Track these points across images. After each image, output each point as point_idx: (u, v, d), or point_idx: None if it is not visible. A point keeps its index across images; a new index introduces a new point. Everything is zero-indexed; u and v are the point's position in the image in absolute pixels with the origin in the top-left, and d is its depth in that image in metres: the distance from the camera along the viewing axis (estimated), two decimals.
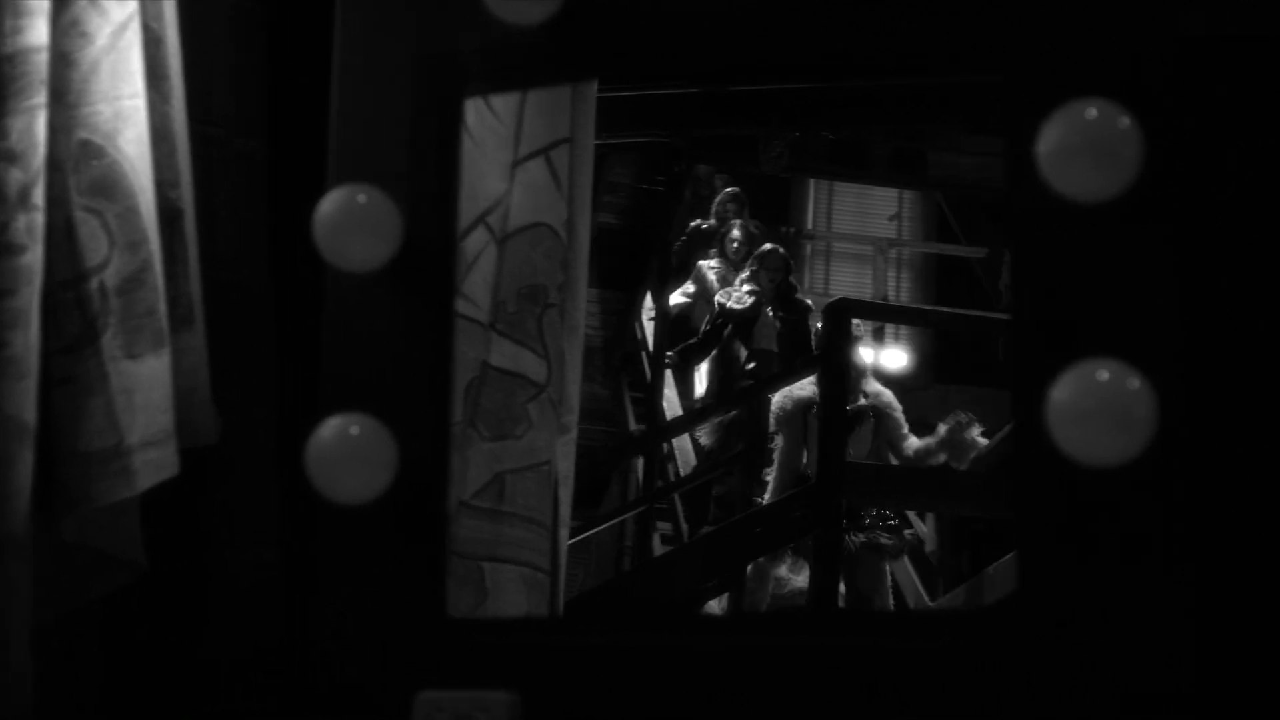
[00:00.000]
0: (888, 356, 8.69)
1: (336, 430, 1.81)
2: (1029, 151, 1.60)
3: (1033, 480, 1.60)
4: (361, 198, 1.86)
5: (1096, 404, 1.53)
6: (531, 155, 2.63)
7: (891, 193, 10.08)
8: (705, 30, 1.82)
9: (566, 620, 1.93)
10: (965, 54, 1.77)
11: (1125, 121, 1.56)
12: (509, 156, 2.57)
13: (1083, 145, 1.57)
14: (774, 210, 9.54)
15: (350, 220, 1.85)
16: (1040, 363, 1.59)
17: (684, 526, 6.80)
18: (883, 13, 1.72)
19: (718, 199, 8.28)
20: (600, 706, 1.74)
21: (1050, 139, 1.58)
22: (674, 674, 1.73)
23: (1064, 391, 1.54)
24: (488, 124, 2.46)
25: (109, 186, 2.21)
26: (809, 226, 10.06)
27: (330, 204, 1.86)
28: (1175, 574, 1.56)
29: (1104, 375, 1.53)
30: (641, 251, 7.83)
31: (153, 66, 2.31)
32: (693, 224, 8.22)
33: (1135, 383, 1.52)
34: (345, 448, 1.81)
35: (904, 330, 9.59)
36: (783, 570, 6.08)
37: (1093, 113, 1.57)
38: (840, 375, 5.71)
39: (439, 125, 1.92)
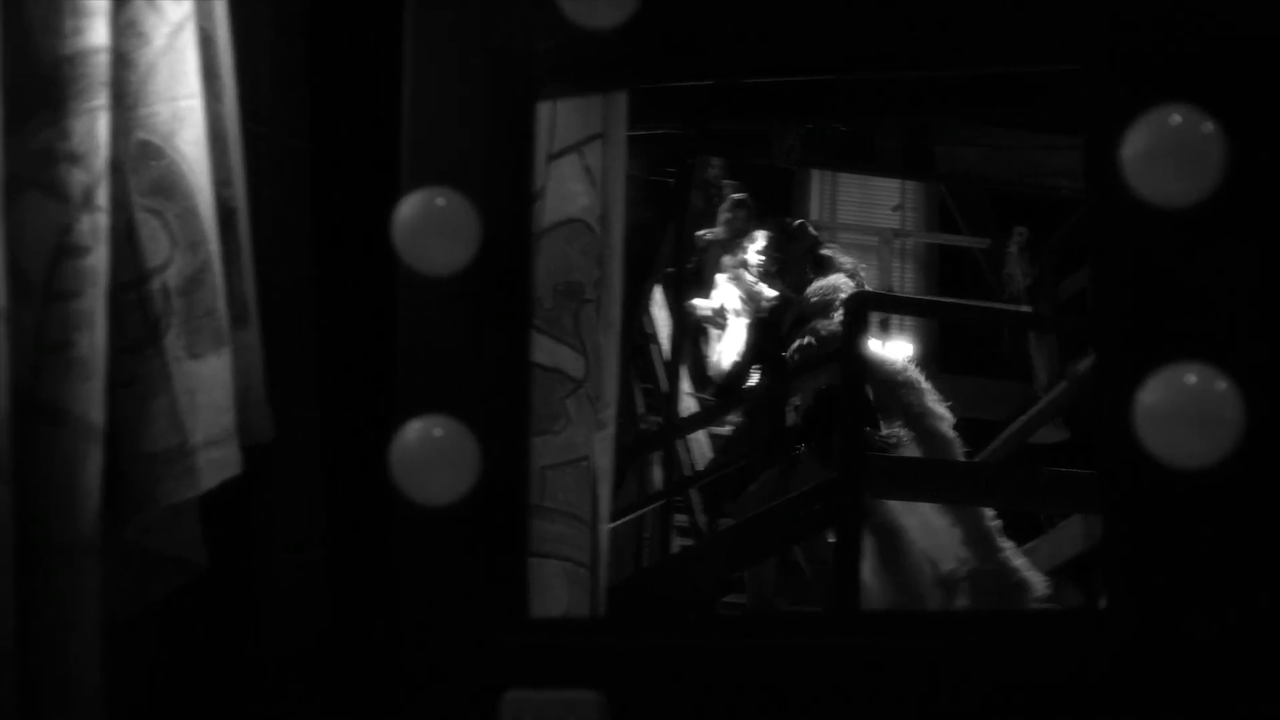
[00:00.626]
0: (893, 347, 8.70)
1: (420, 433, 1.82)
2: (1113, 156, 1.61)
3: (1120, 483, 1.61)
4: (440, 201, 1.86)
5: (1185, 407, 1.55)
6: (565, 151, 2.63)
7: (894, 183, 10.07)
8: (788, 31, 1.83)
9: (651, 621, 1.93)
10: (1048, 56, 1.78)
11: (1209, 127, 1.58)
12: (543, 153, 2.58)
13: (1169, 150, 1.58)
14: (778, 202, 9.54)
15: (430, 224, 1.86)
16: (1126, 367, 1.61)
17: (701, 519, 6.80)
18: (981, 12, 1.74)
19: (723, 206, 8.24)
20: (684, 707, 1.75)
21: (1136, 144, 1.59)
22: (755, 675, 1.74)
23: (1152, 395, 1.56)
24: None
25: (168, 187, 2.22)
26: (814, 217, 10.05)
27: (410, 207, 1.86)
28: (1261, 574, 1.58)
29: (1191, 379, 1.55)
30: (651, 243, 7.81)
31: (206, 66, 2.32)
32: (699, 235, 8.18)
33: (1223, 385, 1.54)
34: (430, 450, 1.82)
35: (909, 321, 9.58)
36: None
37: (1177, 118, 1.58)
38: (860, 368, 5.71)
39: (514, 127, 1.92)
